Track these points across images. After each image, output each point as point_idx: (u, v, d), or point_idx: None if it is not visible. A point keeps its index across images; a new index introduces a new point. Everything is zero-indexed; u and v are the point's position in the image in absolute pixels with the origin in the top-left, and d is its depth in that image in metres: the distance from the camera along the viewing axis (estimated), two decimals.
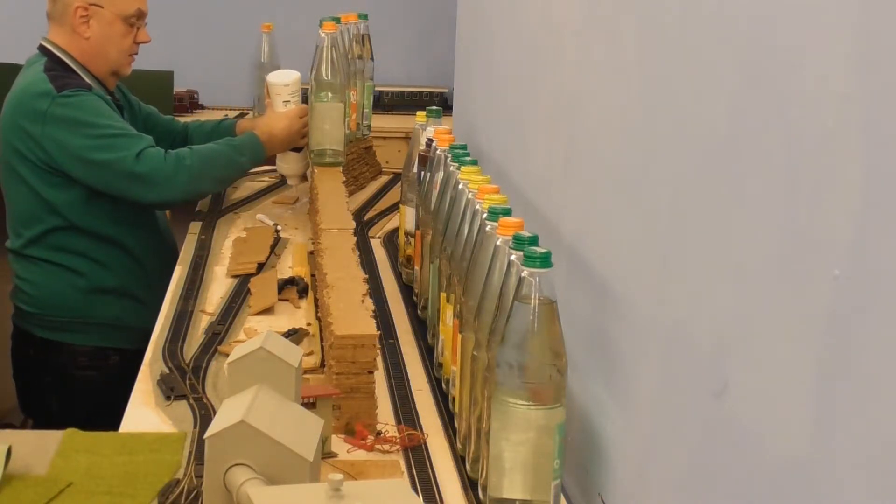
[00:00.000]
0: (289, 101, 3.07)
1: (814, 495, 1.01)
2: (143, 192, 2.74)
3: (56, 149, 2.73)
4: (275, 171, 3.31)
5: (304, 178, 3.25)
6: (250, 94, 4.19)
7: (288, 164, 3.17)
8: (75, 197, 2.79)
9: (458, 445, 1.77)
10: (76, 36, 2.85)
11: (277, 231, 2.89)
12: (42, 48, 2.87)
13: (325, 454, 1.69)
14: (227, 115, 4.25)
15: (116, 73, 2.92)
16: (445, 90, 4.51)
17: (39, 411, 2.92)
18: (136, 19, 2.90)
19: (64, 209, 2.80)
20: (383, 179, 3.53)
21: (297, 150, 3.13)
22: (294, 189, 3.28)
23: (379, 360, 1.88)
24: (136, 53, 2.94)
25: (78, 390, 2.85)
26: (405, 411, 1.90)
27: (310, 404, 1.67)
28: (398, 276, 2.65)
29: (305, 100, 3.05)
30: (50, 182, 2.77)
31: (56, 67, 2.81)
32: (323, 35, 2.90)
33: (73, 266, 2.83)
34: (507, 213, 1.64)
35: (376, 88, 3.91)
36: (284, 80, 3.09)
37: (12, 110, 2.80)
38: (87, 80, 2.83)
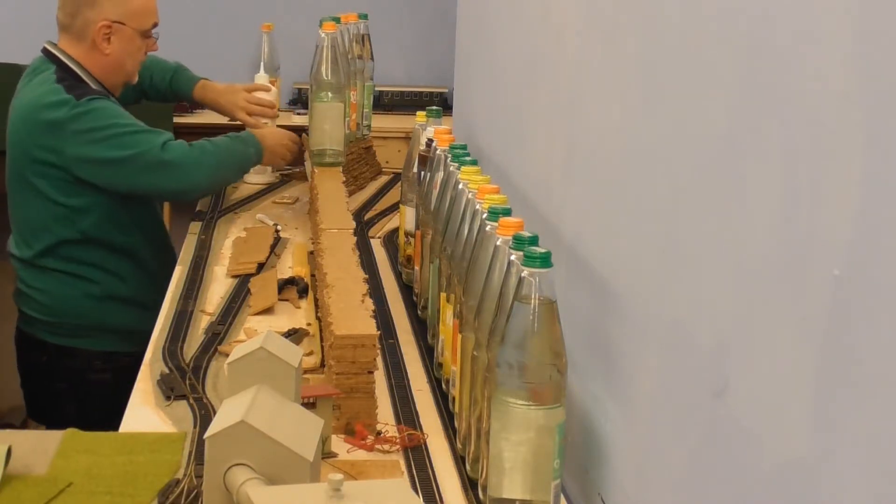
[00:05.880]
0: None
1: (813, 495, 1.01)
2: (172, 178, 2.77)
3: (78, 157, 2.72)
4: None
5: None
6: None
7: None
8: (92, 208, 2.78)
9: (458, 445, 1.77)
10: (96, 52, 2.84)
11: (277, 231, 2.89)
12: (51, 55, 2.84)
13: (325, 454, 1.69)
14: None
15: (126, 83, 2.95)
16: (445, 90, 4.51)
17: (54, 418, 2.86)
18: (151, 31, 2.91)
19: (79, 220, 2.79)
20: (383, 179, 3.53)
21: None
22: (294, 189, 3.28)
23: (379, 360, 1.88)
24: (143, 60, 2.96)
25: (94, 394, 2.82)
26: (405, 411, 1.90)
27: (310, 404, 1.67)
28: (398, 276, 2.65)
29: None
30: (68, 192, 2.76)
31: (67, 77, 2.79)
32: (323, 35, 2.90)
33: (86, 276, 2.83)
34: (507, 213, 1.64)
35: (376, 88, 3.91)
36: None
37: (27, 122, 2.78)
38: (99, 90, 2.83)
